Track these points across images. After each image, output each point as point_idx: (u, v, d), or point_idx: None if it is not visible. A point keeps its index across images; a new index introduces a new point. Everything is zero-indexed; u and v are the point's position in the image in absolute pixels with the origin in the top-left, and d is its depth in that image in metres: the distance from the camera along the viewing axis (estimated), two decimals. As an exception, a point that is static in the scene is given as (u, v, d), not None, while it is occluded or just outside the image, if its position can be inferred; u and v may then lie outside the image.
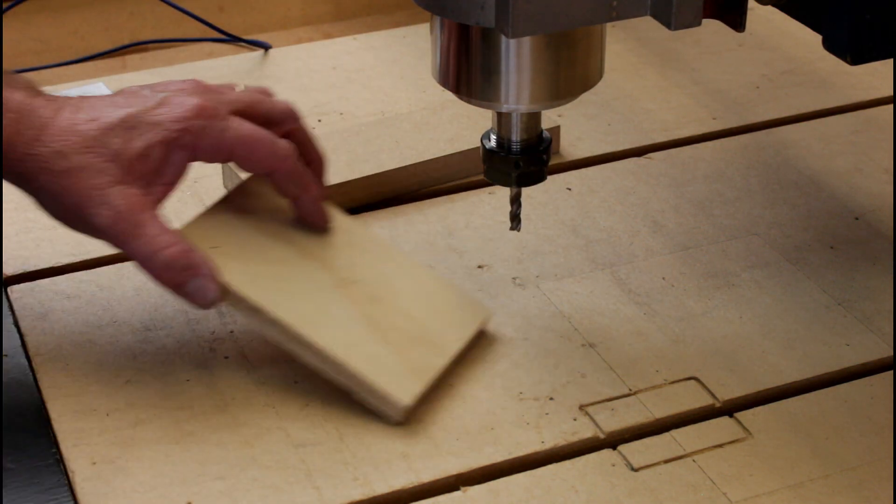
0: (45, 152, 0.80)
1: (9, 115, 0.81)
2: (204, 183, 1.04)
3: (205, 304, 0.82)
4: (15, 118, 0.81)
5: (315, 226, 0.88)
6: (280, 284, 0.84)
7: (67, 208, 0.81)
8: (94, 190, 0.80)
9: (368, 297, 0.86)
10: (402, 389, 0.81)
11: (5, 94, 0.81)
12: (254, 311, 0.82)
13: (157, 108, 0.83)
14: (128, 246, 0.81)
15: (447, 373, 0.84)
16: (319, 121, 1.12)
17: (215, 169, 1.05)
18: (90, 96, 0.86)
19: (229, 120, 0.83)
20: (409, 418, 0.82)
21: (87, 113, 0.83)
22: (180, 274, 0.81)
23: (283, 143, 0.85)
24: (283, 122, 0.87)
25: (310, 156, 0.89)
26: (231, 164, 0.90)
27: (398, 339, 0.84)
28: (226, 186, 1.03)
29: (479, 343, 0.88)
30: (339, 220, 0.89)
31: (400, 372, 0.82)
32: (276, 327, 0.82)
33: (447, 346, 0.85)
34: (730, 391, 0.84)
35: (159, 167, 0.82)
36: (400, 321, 0.85)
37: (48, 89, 1.15)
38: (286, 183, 0.86)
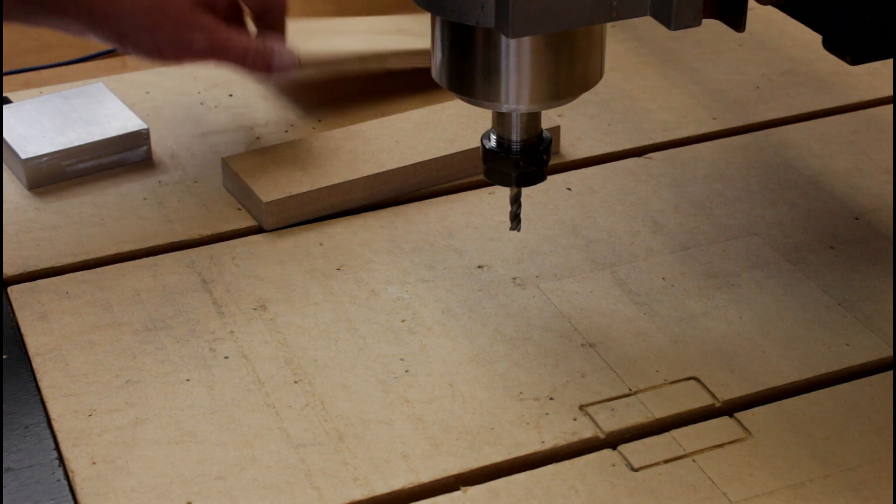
0: None
1: None
2: (204, 182, 1.04)
3: (289, 67, 1.00)
4: None
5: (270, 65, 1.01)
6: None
7: (161, 41, 0.95)
8: (182, 21, 0.95)
9: None
10: None
11: None
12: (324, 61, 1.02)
13: None
14: (224, 57, 0.97)
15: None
16: (319, 120, 1.12)
17: (215, 169, 1.05)
18: None
19: None
20: (409, 417, 0.82)
21: None
22: (266, 56, 0.99)
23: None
24: None
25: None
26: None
27: None
28: (225, 187, 1.03)
29: (479, 343, 0.88)
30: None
31: None
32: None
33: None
34: (730, 391, 0.84)
35: None
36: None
37: (48, 89, 1.16)
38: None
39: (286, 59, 0.99)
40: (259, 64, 0.98)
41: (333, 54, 1.09)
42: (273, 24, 1.02)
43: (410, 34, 1.17)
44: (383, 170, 1.02)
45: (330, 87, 1.16)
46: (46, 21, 0.95)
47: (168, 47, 0.96)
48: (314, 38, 1.10)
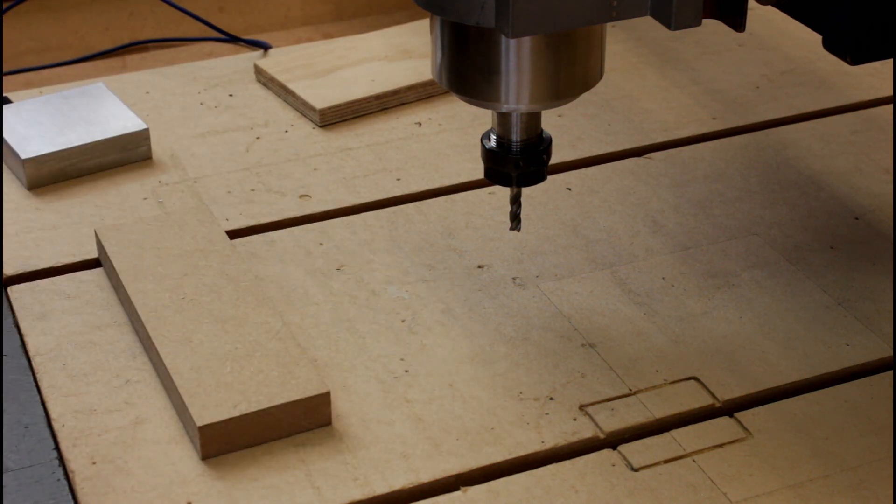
0: None
1: None
2: (204, 183, 1.04)
3: None
4: None
5: None
6: (163, 296, 0.88)
7: None
8: None
9: (234, 335, 0.85)
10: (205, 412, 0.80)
11: None
12: (128, 304, 0.89)
13: None
14: None
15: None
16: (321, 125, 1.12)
17: (215, 169, 1.05)
18: None
19: None
20: (409, 417, 0.82)
21: None
22: None
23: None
24: None
25: None
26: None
27: (236, 377, 0.82)
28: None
29: (479, 343, 0.88)
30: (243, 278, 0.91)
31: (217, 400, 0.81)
32: (139, 327, 0.87)
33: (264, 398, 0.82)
34: (730, 391, 0.84)
35: None
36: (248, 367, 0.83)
37: (48, 89, 1.16)
38: None
39: None
40: None
41: (353, 101, 1.12)
42: None
43: (416, 56, 1.18)
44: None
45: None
46: None
47: None
48: (331, 87, 1.13)
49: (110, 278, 0.93)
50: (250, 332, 0.85)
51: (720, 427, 0.82)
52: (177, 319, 0.86)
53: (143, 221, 0.95)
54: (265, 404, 0.80)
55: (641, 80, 1.20)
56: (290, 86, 1.14)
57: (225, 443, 0.79)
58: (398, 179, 1.05)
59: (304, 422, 0.81)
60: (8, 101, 1.11)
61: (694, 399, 0.84)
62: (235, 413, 0.79)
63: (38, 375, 0.85)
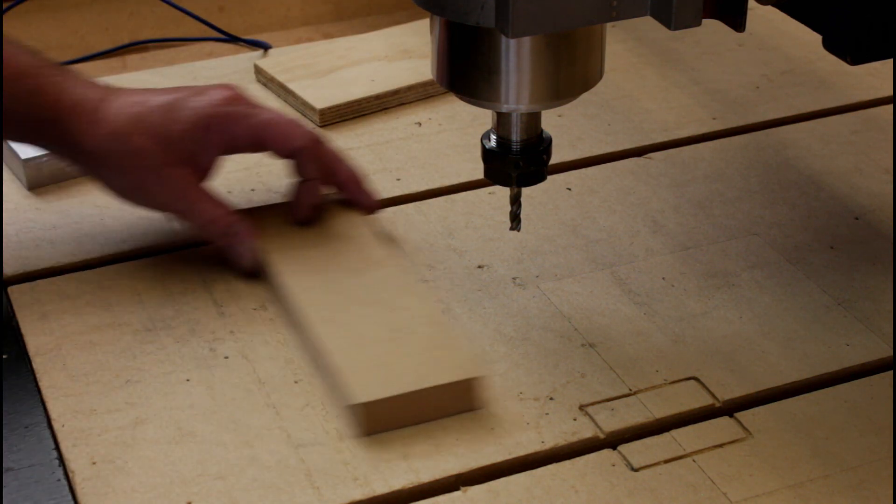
0: (102, 135, 0.91)
1: (66, 104, 0.91)
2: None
3: (243, 265, 0.93)
4: (70, 106, 0.91)
5: (363, 206, 0.96)
6: (312, 278, 0.90)
7: (128, 187, 0.93)
8: (151, 171, 0.91)
9: (384, 319, 0.86)
10: (365, 390, 0.81)
11: (66, 86, 0.92)
12: (276, 285, 0.90)
13: (194, 96, 0.93)
14: (186, 217, 0.93)
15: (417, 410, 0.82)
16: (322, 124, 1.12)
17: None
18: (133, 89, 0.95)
19: (258, 108, 0.94)
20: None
21: (135, 97, 0.93)
22: (226, 238, 0.92)
23: (309, 127, 0.96)
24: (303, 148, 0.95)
25: (340, 174, 0.97)
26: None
27: (392, 355, 0.83)
28: None
29: (479, 343, 0.88)
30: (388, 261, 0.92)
31: (375, 379, 0.82)
32: (288, 306, 0.88)
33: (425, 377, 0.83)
34: (730, 391, 0.84)
35: (198, 149, 0.92)
36: (403, 346, 0.85)
37: (48, 89, 1.16)
38: (319, 162, 0.95)
39: (246, 250, 0.92)
40: (217, 236, 0.92)
41: (353, 101, 1.12)
42: (304, 172, 0.95)
43: (416, 56, 1.18)
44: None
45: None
46: (37, 144, 0.95)
47: (133, 195, 0.93)
48: (331, 87, 1.13)
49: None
50: (400, 315, 0.86)
51: (720, 427, 0.82)
52: (327, 301, 0.88)
53: (281, 205, 0.97)
54: (423, 385, 0.81)
55: (641, 80, 1.20)
56: (290, 86, 1.14)
57: (383, 421, 0.81)
58: (398, 179, 1.05)
59: (458, 403, 0.82)
60: (8, 101, 1.11)
61: (694, 399, 0.84)
62: (395, 392, 0.80)
63: (38, 375, 0.85)
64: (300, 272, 0.90)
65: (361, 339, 0.84)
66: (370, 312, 0.87)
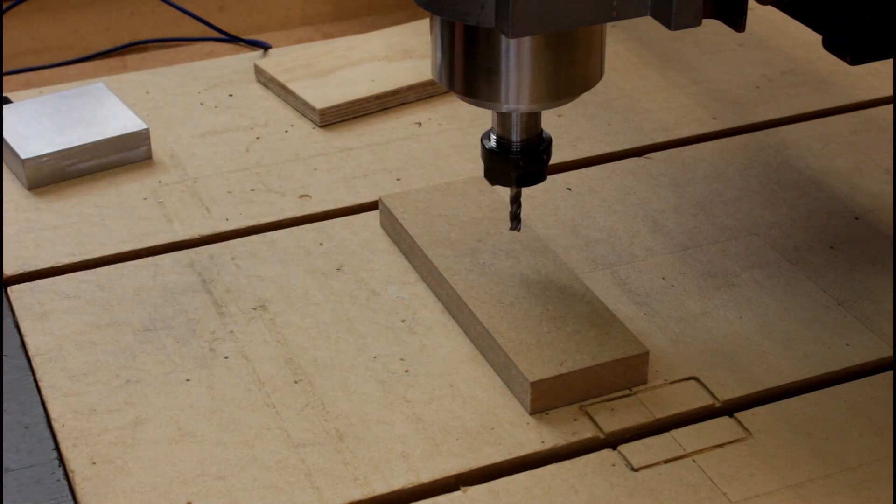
0: None
1: None
2: (204, 183, 1.04)
3: None
4: None
5: None
6: (463, 260, 0.92)
7: None
8: None
9: (541, 300, 0.88)
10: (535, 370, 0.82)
11: None
12: (428, 269, 0.92)
13: None
14: None
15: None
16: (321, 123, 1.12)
17: (215, 169, 1.05)
18: None
19: None
20: (409, 417, 0.82)
21: None
22: None
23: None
24: None
25: None
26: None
27: (555, 334, 0.85)
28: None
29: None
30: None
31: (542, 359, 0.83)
32: (446, 290, 0.90)
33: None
34: (730, 391, 0.84)
35: None
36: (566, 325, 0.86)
37: (48, 89, 1.16)
38: None
39: None
40: None
41: (353, 101, 1.12)
42: None
43: (416, 56, 1.18)
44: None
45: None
46: None
47: None
48: (331, 87, 1.14)
49: (399, 244, 0.96)
50: (556, 295, 0.88)
51: (720, 427, 0.82)
52: (483, 283, 0.89)
53: (424, 190, 0.98)
54: (590, 362, 0.82)
55: (641, 80, 1.20)
56: (290, 86, 1.14)
57: (552, 399, 0.82)
58: (398, 179, 1.05)
59: (622, 380, 0.83)
60: (8, 101, 1.11)
61: (694, 399, 0.84)
62: (563, 370, 0.82)
63: (38, 375, 0.85)
64: (452, 255, 0.91)
65: (525, 320, 0.86)
66: (527, 294, 0.88)
